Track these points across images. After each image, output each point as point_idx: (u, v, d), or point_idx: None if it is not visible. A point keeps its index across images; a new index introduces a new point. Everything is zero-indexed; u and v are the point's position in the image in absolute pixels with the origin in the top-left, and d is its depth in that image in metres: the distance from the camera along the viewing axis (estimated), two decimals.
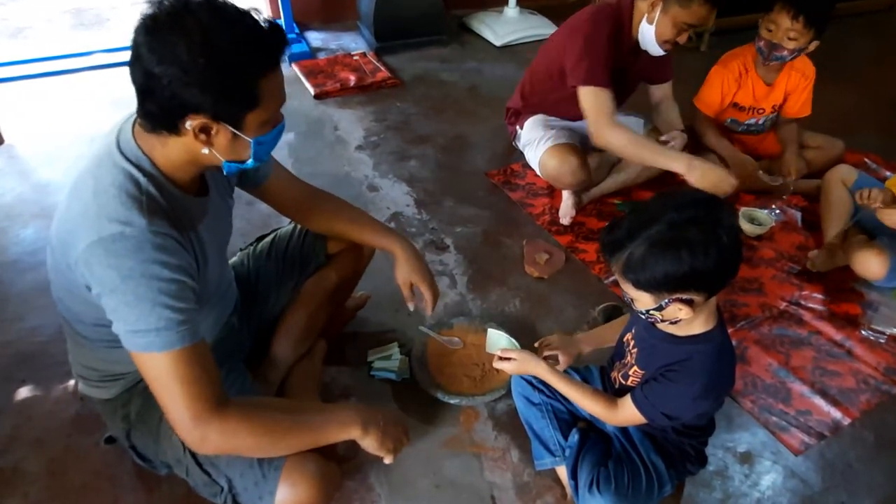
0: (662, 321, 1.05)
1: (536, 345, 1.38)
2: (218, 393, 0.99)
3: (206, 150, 0.97)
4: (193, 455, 1.13)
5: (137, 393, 1.19)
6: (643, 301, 1.02)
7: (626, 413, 1.15)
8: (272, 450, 1.07)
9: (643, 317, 1.07)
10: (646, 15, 1.97)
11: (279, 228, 1.58)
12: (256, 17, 0.93)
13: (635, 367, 1.17)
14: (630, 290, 1.02)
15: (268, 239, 1.56)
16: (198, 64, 0.86)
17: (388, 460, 1.19)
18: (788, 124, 2.37)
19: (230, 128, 0.95)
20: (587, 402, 1.20)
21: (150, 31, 0.87)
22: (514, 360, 1.26)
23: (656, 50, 2.02)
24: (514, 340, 1.52)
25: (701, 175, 1.86)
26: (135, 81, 0.91)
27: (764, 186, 2.33)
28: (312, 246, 1.52)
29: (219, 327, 1.32)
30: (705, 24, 1.90)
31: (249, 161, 1.03)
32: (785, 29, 2.06)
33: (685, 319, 1.02)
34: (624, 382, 1.20)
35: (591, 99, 2.00)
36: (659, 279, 0.96)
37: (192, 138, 0.94)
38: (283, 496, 1.09)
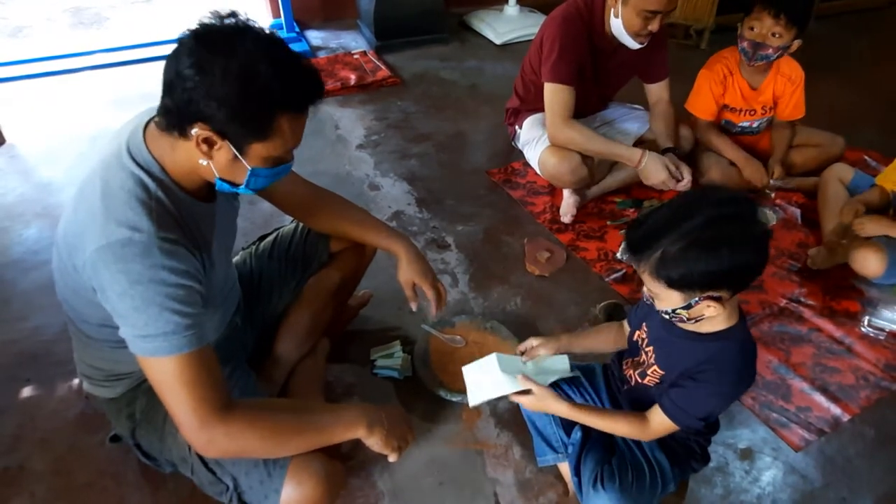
0: (688, 320, 1.02)
1: (520, 352, 1.33)
2: (223, 396, 0.99)
3: (203, 162, 0.97)
4: (199, 453, 1.13)
5: (142, 392, 1.20)
6: (671, 300, 0.98)
7: (659, 425, 1.11)
8: (278, 451, 1.08)
9: (667, 317, 1.03)
10: (612, 9, 1.98)
11: (281, 227, 1.58)
12: (305, 63, 0.95)
13: (655, 367, 1.13)
14: (659, 290, 0.98)
15: (270, 238, 1.56)
16: (226, 82, 0.87)
17: (392, 459, 1.20)
18: (781, 129, 2.36)
19: (233, 148, 0.95)
20: (617, 427, 1.15)
21: (199, 39, 0.89)
22: (534, 394, 1.17)
23: (632, 43, 2.01)
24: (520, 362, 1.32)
25: (648, 171, 2.03)
26: (165, 73, 0.92)
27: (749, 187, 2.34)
28: (315, 245, 1.53)
29: (222, 327, 1.33)
30: (670, 8, 1.89)
31: (241, 187, 1.03)
32: (768, 26, 2.07)
33: (709, 317, 1.00)
34: (640, 381, 1.18)
35: (550, 95, 2.06)
36: (695, 277, 0.93)
37: (195, 145, 0.94)
38: (289, 495, 1.09)
